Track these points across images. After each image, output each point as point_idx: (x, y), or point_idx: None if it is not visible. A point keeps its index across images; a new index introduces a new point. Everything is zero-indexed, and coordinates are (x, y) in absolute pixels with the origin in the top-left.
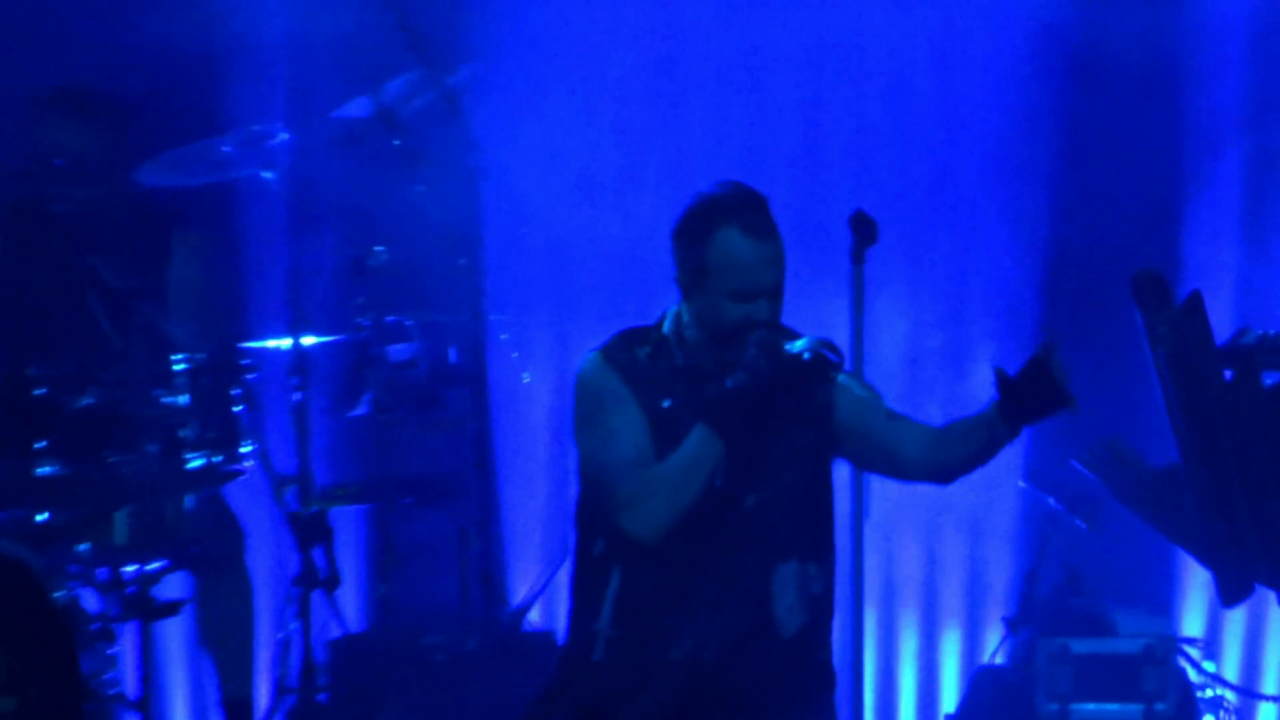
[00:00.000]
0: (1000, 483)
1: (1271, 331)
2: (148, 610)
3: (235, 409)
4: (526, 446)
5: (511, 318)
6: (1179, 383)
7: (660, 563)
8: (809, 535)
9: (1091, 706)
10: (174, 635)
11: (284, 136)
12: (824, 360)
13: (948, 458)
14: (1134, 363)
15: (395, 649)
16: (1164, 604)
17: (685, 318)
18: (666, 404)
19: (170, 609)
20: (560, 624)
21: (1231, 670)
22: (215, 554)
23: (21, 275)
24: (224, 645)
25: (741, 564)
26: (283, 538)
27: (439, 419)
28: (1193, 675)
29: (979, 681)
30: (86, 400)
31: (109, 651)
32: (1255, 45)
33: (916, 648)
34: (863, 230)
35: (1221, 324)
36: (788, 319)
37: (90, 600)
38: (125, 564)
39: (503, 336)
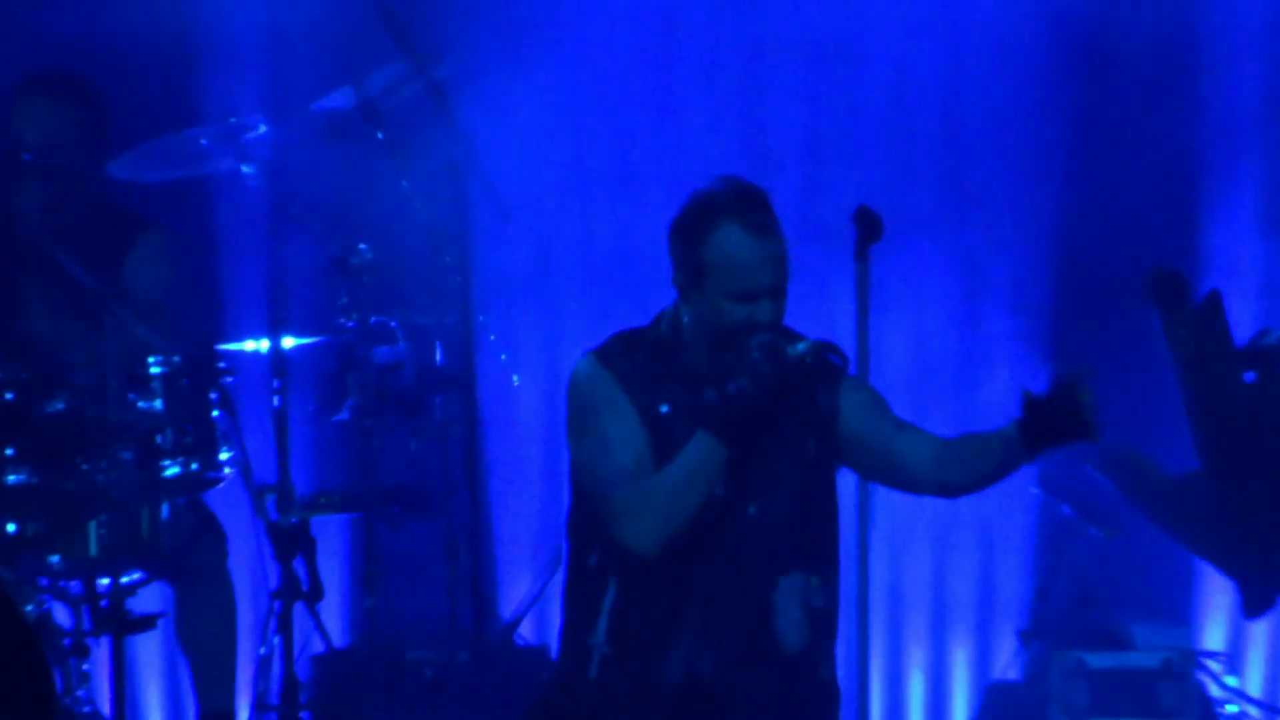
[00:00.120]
0: (1012, 490)
1: None
2: (122, 625)
3: (212, 414)
4: (517, 453)
5: (500, 318)
6: (1198, 385)
7: (658, 575)
8: (812, 546)
9: None
10: (150, 650)
11: (262, 129)
12: (828, 364)
13: (959, 473)
14: (1151, 365)
15: (380, 665)
16: (1184, 616)
17: (683, 319)
18: (664, 409)
19: (146, 623)
20: (553, 639)
21: (1255, 685)
22: (195, 563)
23: None
24: (204, 655)
25: (742, 576)
26: (263, 549)
27: (425, 424)
28: (1214, 690)
29: (990, 698)
30: (57, 405)
31: (82, 668)
32: (1278, 33)
33: (925, 662)
34: (867, 226)
35: (1242, 324)
36: (788, 320)
37: (62, 615)
38: (98, 576)
39: (491, 338)
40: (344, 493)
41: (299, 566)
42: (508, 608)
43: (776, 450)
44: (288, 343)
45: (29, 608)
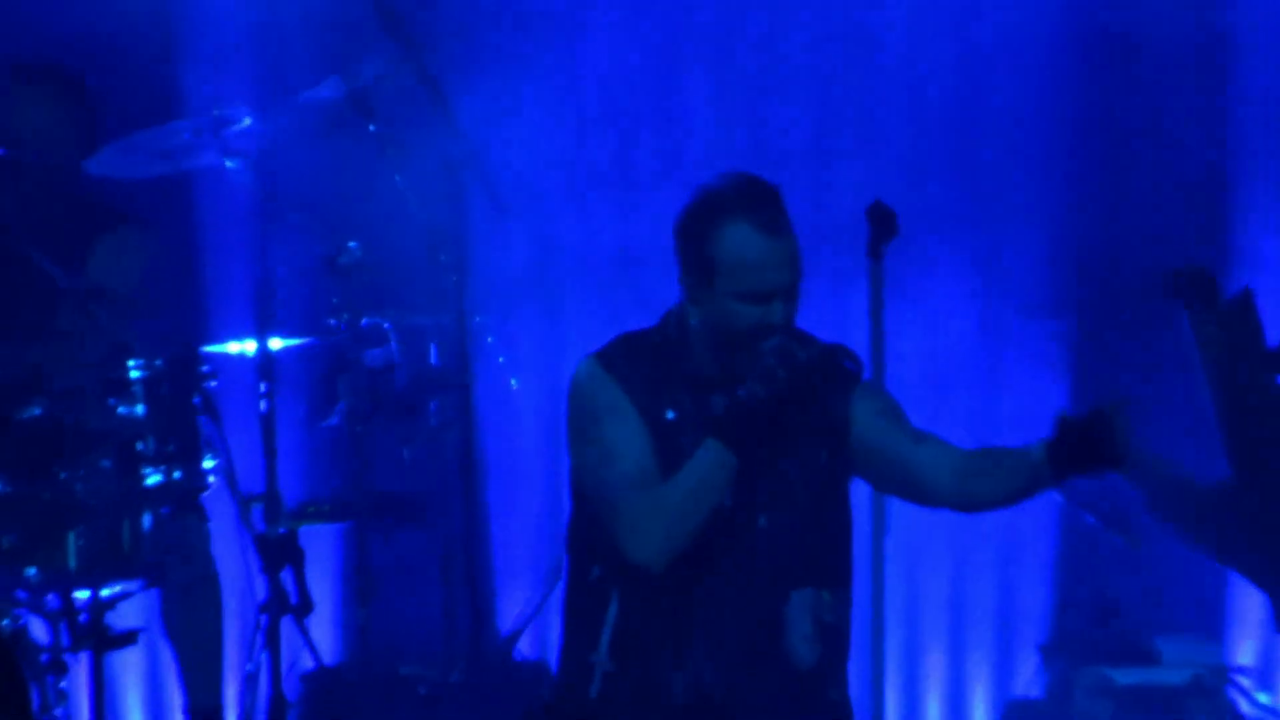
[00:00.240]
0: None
1: None
2: (102, 640)
3: (196, 420)
4: (515, 459)
5: (497, 319)
6: (1228, 388)
7: (663, 589)
8: (825, 559)
9: None
10: (130, 667)
11: (248, 121)
12: (841, 369)
13: (980, 490)
14: (1179, 366)
15: (373, 682)
16: (1213, 630)
17: (691, 321)
18: (670, 415)
19: (126, 639)
20: (553, 654)
21: None
22: (179, 574)
23: None
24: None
25: (752, 591)
26: (249, 560)
27: (419, 430)
28: (1245, 708)
29: (1010, 716)
30: (33, 410)
31: (60, 686)
32: None
33: (942, 679)
34: (881, 223)
35: (1274, 323)
36: (799, 322)
37: (39, 630)
38: (77, 590)
39: (488, 339)
40: (334, 502)
41: (287, 579)
42: (506, 622)
43: (787, 459)
44: (275, 344)
45: (4, 623)
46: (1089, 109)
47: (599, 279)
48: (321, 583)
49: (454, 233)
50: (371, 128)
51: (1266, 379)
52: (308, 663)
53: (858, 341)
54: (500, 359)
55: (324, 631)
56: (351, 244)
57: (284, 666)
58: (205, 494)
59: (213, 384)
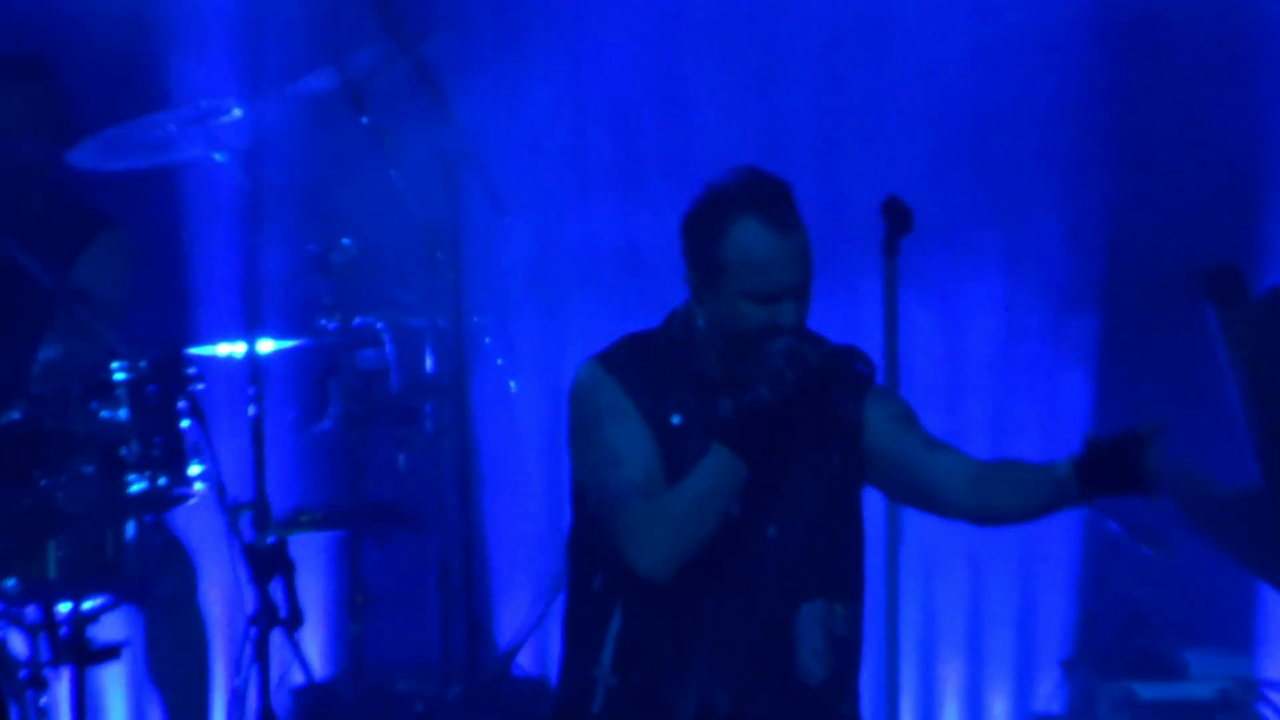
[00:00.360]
0: None
1: None
2: (84, 654)
3: (182, 424)
4: (514, 466)
5: (496, 320)
6: (1258, 389)
7: (668, 601)
8: (836, 570)
9: None
10: (113, 682)
11: (236, 113)
12: (853, 372)
13: (998, 503)
14: (1206, 367)
15: (366, 697)
16: (1242, 642)
17: (697, 322)
18: (676, 420)
19: (109, 653)
20: (554, 669)
21: None
22: (163, 591)
23: None
24: (176, 689)
25: (760, 603)
26: (238, 571)
27: (415, 435)
28: None
29: None
30: (12, 414)
31: (40, 702)
32: None
33: (960, 694)
34: (896, 218)
35: None
36: (810, 323)
37: (18, 643)
38: (58, 602)
39: (486, 341)
40: (326, 509)
41: (277, 590)
42: (505, 635)
43: (798, 466)
44: (265, 346)
45: None
46: (1114, 100)
47: (601, 278)
48: (313, 594)
49: (451, 230)
50: (366, 120)
51: None
52: (298, 677)
53: (872, 342)
54: (499, 361)
55: (316, 645)
56: (344, 241)
57: (274, 681)
58: (192, 502)
59: (200, 387)
